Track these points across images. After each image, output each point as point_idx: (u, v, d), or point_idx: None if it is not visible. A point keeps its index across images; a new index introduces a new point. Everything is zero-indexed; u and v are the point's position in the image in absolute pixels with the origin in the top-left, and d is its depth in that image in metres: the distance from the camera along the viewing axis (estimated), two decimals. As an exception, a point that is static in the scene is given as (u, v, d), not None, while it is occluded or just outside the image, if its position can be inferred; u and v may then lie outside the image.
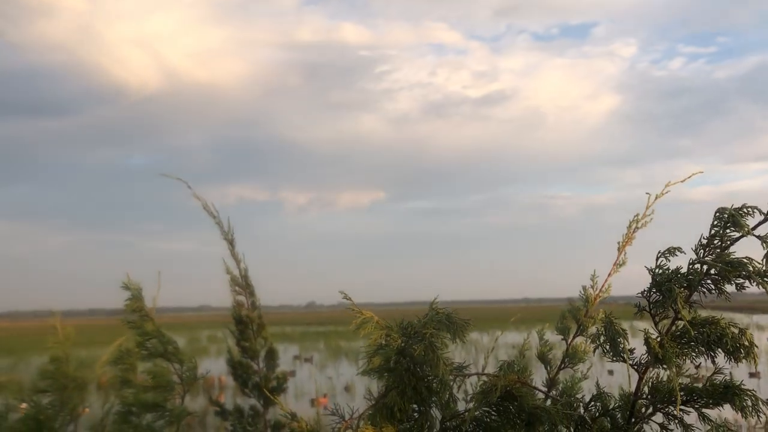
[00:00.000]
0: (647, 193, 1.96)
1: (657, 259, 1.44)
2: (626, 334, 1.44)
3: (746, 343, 1.33)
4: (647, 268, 1.42)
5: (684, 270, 1.38)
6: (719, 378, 1.44)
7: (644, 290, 1.42)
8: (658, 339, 1.40)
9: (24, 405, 2.42)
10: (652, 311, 1.43)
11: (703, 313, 1.40)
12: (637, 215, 1.96)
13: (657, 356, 1.37)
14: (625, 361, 1.42)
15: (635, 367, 1.50)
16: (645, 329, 1.40)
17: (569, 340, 2.09)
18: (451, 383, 1.65)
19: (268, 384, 3.44)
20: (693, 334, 1.36)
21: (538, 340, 2.23)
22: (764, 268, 1.25)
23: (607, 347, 1.45)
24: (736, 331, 1.35)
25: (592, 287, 2.11)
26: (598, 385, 1.73)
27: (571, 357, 2.11)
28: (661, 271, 1.40)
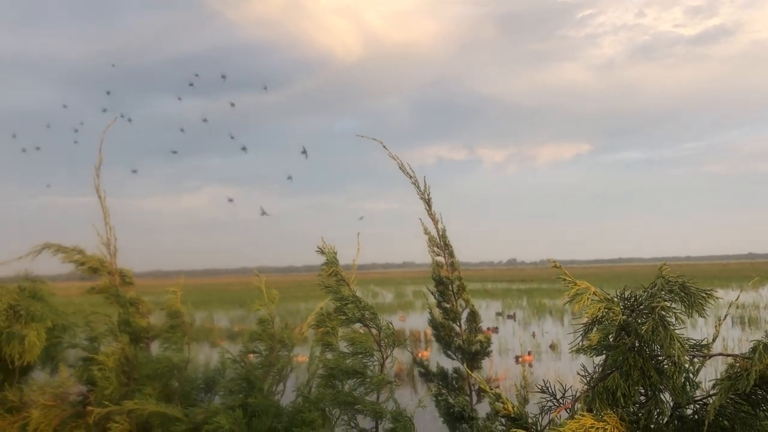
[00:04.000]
0: None
1: None
2: None
3: None
4: None
5: None
6: None
7: None
8: None
9: (251, 356, 2.57)
10: None
11: None
12: None
13: None
14: None
15: None
16: None
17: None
18: (688, 365, 1.37)
19: (470, 347, 3.34)
20: None
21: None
22: None
23: None
24: None
25: None
26: None
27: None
28: None
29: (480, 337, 3.44)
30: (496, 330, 21.10)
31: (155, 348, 3.29)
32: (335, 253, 2.02)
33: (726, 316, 2.17)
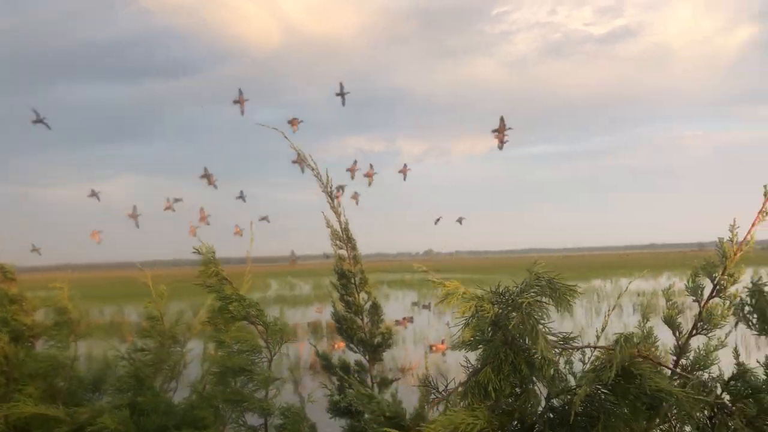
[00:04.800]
0: None
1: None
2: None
3: None
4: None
5: None
6: None
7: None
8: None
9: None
10: None
11: None
12: None
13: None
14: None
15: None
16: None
17: (703, 303, 1.76)
18: (557, 357, 1.43)
19: (372, 339, 3.36)
20: None
21: (665, 302, 1.91)
22: None
23: (754, 320, 1.17)
24: None
25: (731, 240, 1.75)
26: (736, 355, 1.44)
27: (706, 321, 1.78)
28: None
29: (382, 329, 3.47)
30: (411, 320, 21.43)
31: (42, 347, 3.12)
32: (214, 252, 1.97)
33: (614, 306, 2.27)
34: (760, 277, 1.25)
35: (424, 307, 27.05)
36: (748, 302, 1.19)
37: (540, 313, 1.38)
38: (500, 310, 1.42)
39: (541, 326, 1.40)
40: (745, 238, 1.77)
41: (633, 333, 1.42)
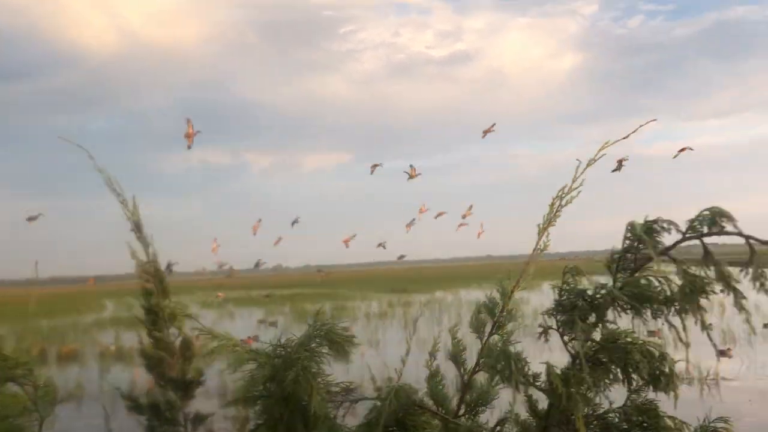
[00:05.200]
0: (577, 160, 1.70)
1: (564, 274, 1.19)
2: (524, 360, 1.20)
3: (666, 371, 1.10)
4: (552, 286, 1.18)
5: (591, 291, 1.14)
6: (643, 399, 1.22)
7: (550, 309, 1.18)
8: (564, 372, 1.16)
9: None
10: (561, 330, 1.19)
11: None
12: (564, 188, 1.69)
13: (560, 396, 1.13)
14: (520, 391, 1.18)
15: (544, 391, 1.27)
16: (546, 362, 1.16)
17: (484, 339, 1.84)
18: (334, 411, 1.40)
19: (184, 377, 3.19)
20: (603, 359, 1.12)
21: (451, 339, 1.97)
22: (678, 295, 1.01)
23: (507, 374, 1.22)
24: (656, 354, 1.12)
25: (510, 278, 1.84)
26: (511, 402, 1.50)
27: (487, 357, 1.85)
28: (568, 287, 1.16)
29: (194, 365, 3.30)
30: (256, 338, 20.92)
31: None
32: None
33: (418, 317, 2.32)
34: (511, 331, 1.31)
35: (271, 324, 26.57)
36: (500, 357, 1.25)
37: (317, 368, 1.35)
38: (279, 363, 1.37)
39: (320, 379, 1.37)
40: (520, 278, 1.85)
41: (407, 384, 1.43)
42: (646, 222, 1.15)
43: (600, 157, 1.68)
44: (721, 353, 12.02)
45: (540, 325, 1.20)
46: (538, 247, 1.80)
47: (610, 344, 1.13)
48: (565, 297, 1.16)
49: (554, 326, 1.19)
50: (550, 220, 1.75)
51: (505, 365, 1.18)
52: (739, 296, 1.08)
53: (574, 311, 1.11)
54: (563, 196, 1.70)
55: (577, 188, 1.68)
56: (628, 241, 1.16)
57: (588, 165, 1.69)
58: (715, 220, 1.07)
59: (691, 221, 1.10)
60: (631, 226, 1.14)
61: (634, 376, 1.14)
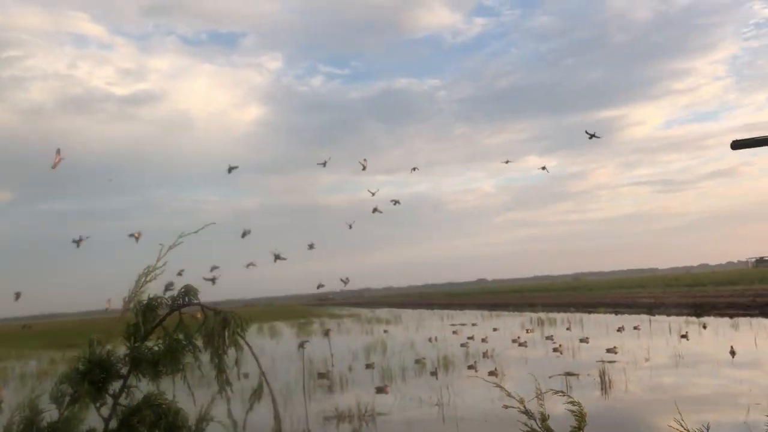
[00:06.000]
0: (160, 244, 2.10)
1: (89, 343, 1.63)
2: None
3: (179, 425, 1.55)
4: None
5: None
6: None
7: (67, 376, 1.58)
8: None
9: None
10: (90, 398, 1.57)
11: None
12: (149, 267, 2.07)
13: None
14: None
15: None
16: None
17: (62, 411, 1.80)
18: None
19: None
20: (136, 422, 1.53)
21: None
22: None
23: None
24: (173, 411, 1.57)
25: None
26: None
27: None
28: (88, 356, 1.59)
29: None
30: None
31: None
32: None
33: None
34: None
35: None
36: None
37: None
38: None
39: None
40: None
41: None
42: (149, 299, 1.65)
43: (179, 244, 2.11)
44: (379, 390, 13.49)
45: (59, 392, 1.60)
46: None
47: (137, 408, 1.55)
48: (84, 365, 1.57)
49: (83, 394, 1.59)
50: (135, 295, 2.18)
51: None
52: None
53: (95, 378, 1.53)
54: (149, 273, 2.13)
55: (161, 267, 2.11)
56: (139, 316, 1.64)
57: (169, 248, 2.14)
58: (189, 294, 1.62)
59: (174, 298, 1.64)
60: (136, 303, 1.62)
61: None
